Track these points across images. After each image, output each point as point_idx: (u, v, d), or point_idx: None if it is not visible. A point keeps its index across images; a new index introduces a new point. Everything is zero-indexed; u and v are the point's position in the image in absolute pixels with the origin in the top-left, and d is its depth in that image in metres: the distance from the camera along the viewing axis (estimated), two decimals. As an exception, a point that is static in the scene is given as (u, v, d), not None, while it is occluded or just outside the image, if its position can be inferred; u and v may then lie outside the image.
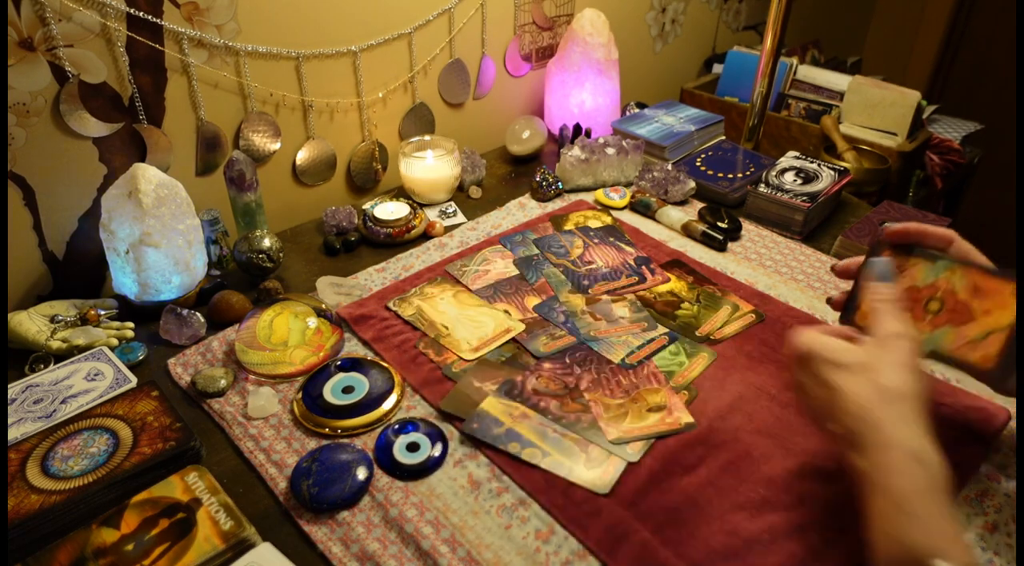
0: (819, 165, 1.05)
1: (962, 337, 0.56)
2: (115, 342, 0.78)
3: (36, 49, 0.76)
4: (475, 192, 1.11)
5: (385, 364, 0.75)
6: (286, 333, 0.76)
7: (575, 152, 1.10)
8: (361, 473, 0.62)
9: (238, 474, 0.64)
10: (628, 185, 1.13)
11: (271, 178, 1.03)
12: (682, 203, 1.08)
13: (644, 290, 0.87)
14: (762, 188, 1.01)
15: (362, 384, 0.72)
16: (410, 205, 1.01)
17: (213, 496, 0.57)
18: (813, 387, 0.54)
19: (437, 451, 0.65)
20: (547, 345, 0.78)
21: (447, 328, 0.80)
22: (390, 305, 0.84)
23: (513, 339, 0.78)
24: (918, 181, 1.61)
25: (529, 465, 0.63)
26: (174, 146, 0.91)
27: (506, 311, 0.83)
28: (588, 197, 1.10)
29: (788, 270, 0.92)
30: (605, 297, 0.86)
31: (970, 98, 2.29)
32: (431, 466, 0.63)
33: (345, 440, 0.67)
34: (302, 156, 1.04)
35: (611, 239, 0.97)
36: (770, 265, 0.93)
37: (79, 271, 0.89)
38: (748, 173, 1.11)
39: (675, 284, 0.88)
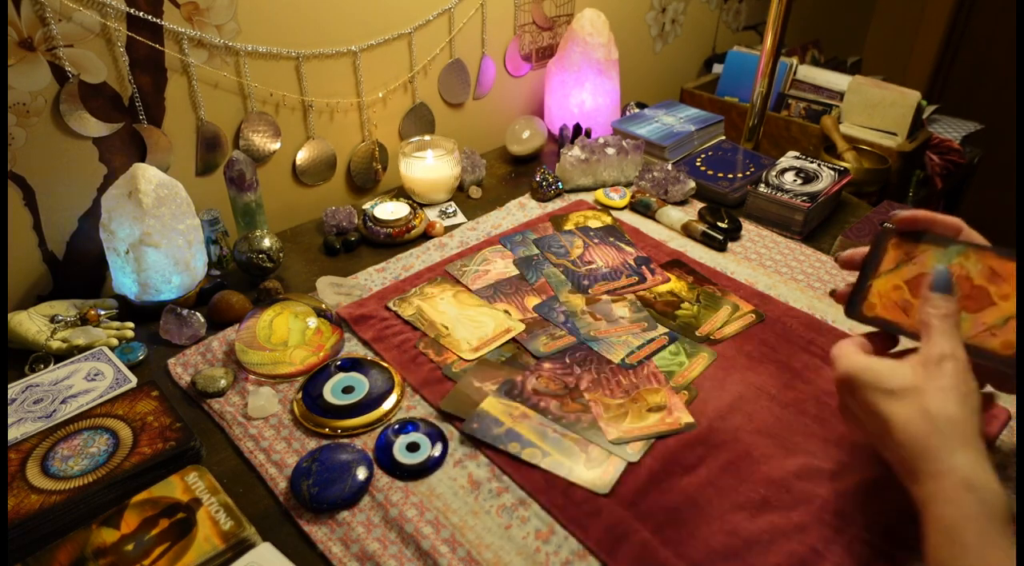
0: (819, 165, 1.05)
1: (980, 324, 0.53)
2: (115, 342, 0.78)
3: (36, 49, 0.76)
4: (475, 192, 1.11)
5: (385, 364, 0.75)
6: (286, 333, 0.76)
7: (575, 152, 1.10)
8: (361, 473, 0.62)
9: (238, 474, 0.64)
10: (628, 185, 1.13)
11: (271, 178, 1.03)
12: (682, 203, 1.08)
13: (644, 290, 0.87)
14: (762, 188, 1.01)
15: (362, 384, 0.72)
16: (410, 205, 1.01)
17: (213, 496, 0.57)
18: (862, 415, 0.53)
19: (437, 451, 0.65)
20: (547, 345, 0.78)
21: (447, 328, 0.80)
22: (390, 305, 0.84)
23: (513, 339, 0.78)
24: (918, 181, 1.61)
25: (529, 465, 0.63)
26: (174, 146, 0.91)
27: (506, 311, 0.83)
28: (588, 197, 1.10)
29: (788, 270, 0.92)
30: (605, 297, 0.86)
31: (970, 98, 2.29)
32: (431, 466, 0.63)
33: (345, 440, 0.67)
34: (302, 156, 1.04)
35: (611, 239, 0.97)
36: (770, 265, 0.93)
37: (79, 271, 0.89)
38: (748, 173, 1.11)
39: (675, 284, 0.88)
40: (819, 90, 1.54)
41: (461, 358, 0.76)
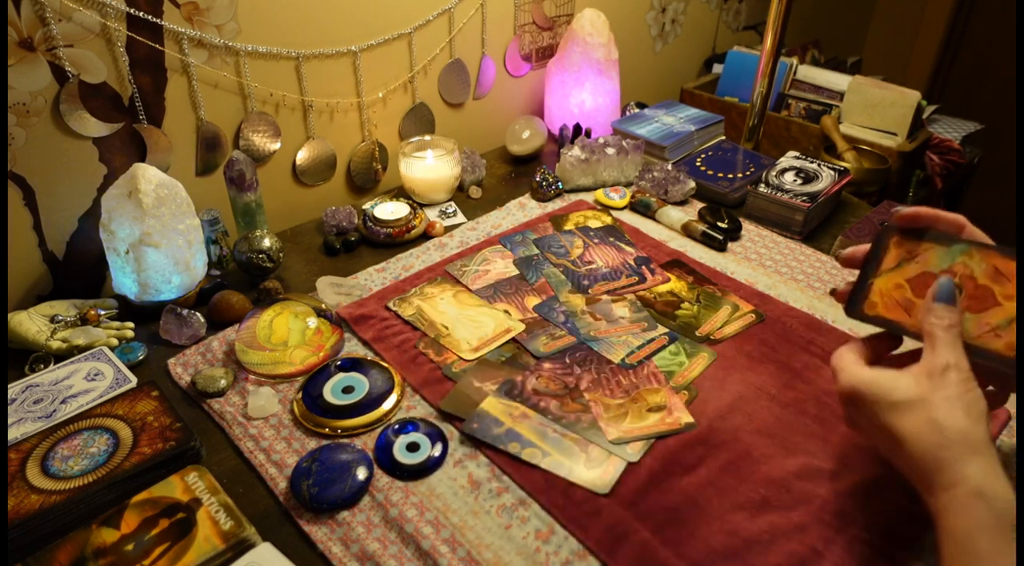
0: (819, 165, 1.05)
1: (984, 325, 0.52)
2: (115, 342, 0.78)
3: (36, 49, 0.76)
4: (475, 192, 1.11)
5: (385, 364, 0.75)
6: (286, 333, 0.76)
7: (575, 152, 1.10)
8: (361, 473, 0.62)
9: (238, 474, 0.64)
10: (628, 185, 1.13)
11: (271, 178, 1.03)
12: (682, 203, 1.08)
13: (644, 290, 0.87)
14: (762, 188, 1.01)
15: (362, 384, 0.72)
16: (410, 205, 1.01)
17: (213, 496, 0.57)
18: (870, 428, 0.53)
19: (437, 451, 0.65)
20: (547, 345, 0.78)
21: (447, 328, 0.80)
22: (390, 305, 0.84)
23: (513, 339, 0.78)
24: (918, 181, 1.61)
25: (529, 465, 0.63)
26: (174, 146, 0.91)
27: (506, 311, 0.83)
28: (588, 197, 1.10)
29: (788, 270, 0.92)
30: (605, 297, 0.86)
31: (970, 98, 2.29)
32: (431, 466, 0.63)
33: (345, 440, 0.67)
34: (302, 156, 1.04)
35: (611, 239, 0.97)
36: (770, 265, 0.93)
37: (79, 271, 0.89)
38: (748, 173, 1.11)
39: (675, 284, 0.88)
40: (819, 90, 1.54)
41: (461, 358, 0.76)
